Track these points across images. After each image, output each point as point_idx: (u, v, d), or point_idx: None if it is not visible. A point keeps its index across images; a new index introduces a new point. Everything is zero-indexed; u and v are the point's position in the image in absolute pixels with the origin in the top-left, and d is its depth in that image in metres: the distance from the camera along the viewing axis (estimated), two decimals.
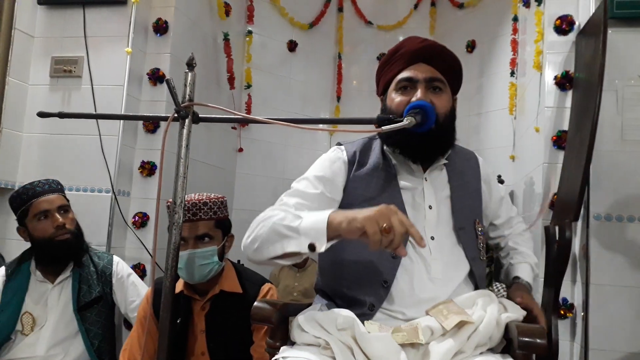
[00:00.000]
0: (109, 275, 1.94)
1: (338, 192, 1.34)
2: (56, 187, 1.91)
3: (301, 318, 1.18)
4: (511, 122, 2.87)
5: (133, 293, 1.95)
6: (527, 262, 1.44)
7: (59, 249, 1.84)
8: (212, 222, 1.65)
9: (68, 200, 1.94)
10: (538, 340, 1.05)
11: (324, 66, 3.67)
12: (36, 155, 2.45)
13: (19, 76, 2.45)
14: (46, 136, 2.45)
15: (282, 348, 1.16)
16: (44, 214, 1.83)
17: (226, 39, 2.79)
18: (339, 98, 3.63)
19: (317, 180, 1.34)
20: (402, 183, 1.34)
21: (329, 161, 1.39)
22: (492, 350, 1.16)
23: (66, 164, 2.40)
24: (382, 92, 1.41)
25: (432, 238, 1.28)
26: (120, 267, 1.98)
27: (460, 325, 1.12)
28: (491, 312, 1.14)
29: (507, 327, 1.16)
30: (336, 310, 1.19)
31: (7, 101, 2.37)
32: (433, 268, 1.25)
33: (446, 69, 1.34)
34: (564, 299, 1.97)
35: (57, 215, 1.84)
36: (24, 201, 1.84)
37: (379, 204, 1.28)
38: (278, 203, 1.30)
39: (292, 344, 1.19)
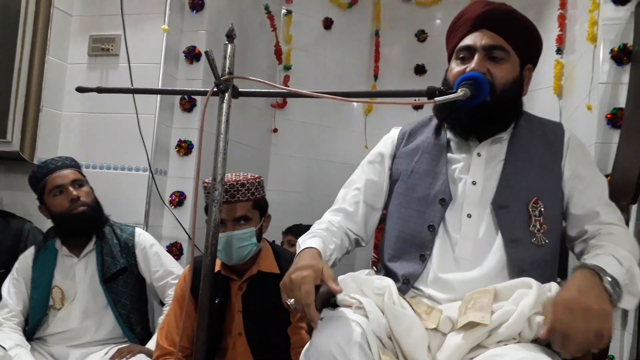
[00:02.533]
0: (132, 246, 1.95)
1: (384, 175, 1.38)
2: (69, 163, 1.95)
3: (340, 278, 1.16)
4: (556, 101, 2.73)
5: (156, 263, 1.96)
6: (608, 254, 1.07)
7: (77, 222, 1.86)
8: (249, 204, 1.62)
9: (84, 176, 1.96)
10: None
11: (360, 44, 3.58)
12: (75, 134, 2.47)
13: (58, 55, 2.46)
14: (85, 115, 2.46)
15: (323, 310, 1.12)
16: (59, 189, 1.86)
17: (268, 11, 2.72)
18: (376, 77, 3.53)
19: (362, 169, 1.42)
20: (450, 156, 1.29)
21: (380, 143, 1.44)
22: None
23: (104, 143, 2.42)
24: (449, 60, 1.34)
25: (469, 216, 1.21)
26: (143, 238, 1.99)
27: (473, 325, 1.01)
28: (521, 310, 0.99)
29: None
30: (377, 276, 1.19)
31: (46, 79, 2.39)
32: (459, 247, 1.19)
33: (513, 36, 1.24)
34: None
35: (71, 189, 1.87)
36: (39, 179, 1.88)
37: (421, 178, 1.29)
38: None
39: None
